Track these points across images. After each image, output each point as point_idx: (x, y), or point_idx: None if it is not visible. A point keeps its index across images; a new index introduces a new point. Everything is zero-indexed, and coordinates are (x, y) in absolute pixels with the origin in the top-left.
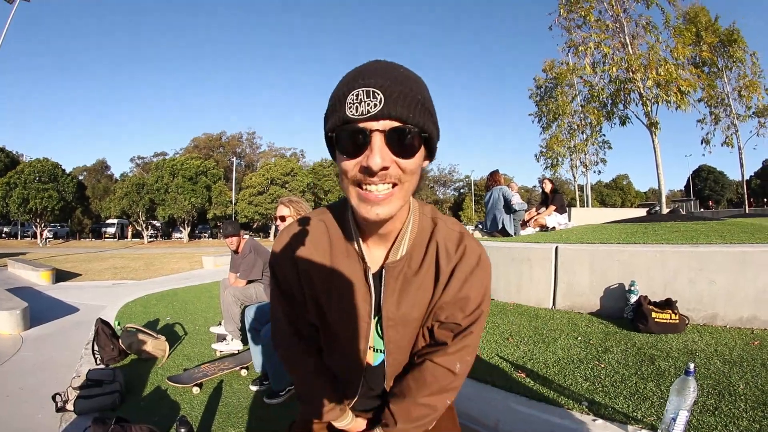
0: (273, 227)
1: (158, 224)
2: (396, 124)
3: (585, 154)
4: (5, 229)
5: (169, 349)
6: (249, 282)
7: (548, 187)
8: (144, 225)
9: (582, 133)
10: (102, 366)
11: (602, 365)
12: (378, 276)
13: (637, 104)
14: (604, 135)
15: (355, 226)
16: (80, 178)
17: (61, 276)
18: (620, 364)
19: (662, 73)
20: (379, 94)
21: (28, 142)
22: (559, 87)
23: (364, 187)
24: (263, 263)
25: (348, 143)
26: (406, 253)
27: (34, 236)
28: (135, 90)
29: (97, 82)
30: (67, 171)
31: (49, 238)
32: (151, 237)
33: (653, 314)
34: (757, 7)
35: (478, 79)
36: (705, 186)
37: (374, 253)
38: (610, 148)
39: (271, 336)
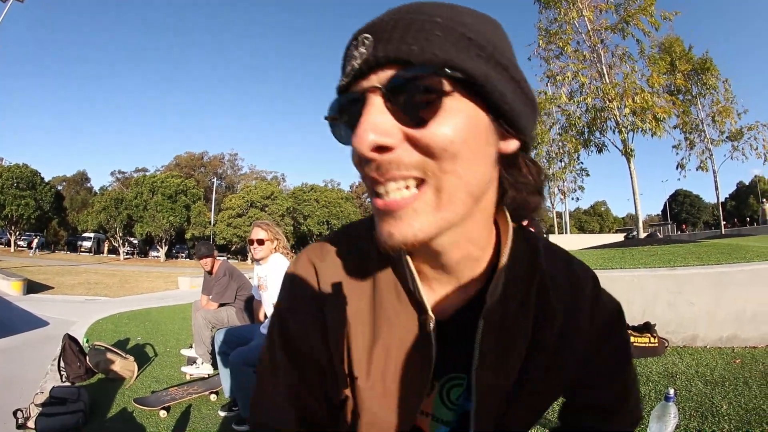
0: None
1: (135, 241)
2: (391, 69)
3: (563, 182)
4: None
5: (138, 370)
6: (221, 305)
7: None
8: (121, 241)
9: (560, 161)
10: (67, 384)
11: None
12: (444, 330)
13: (613, 132)
14: (582, 162)
15: (407, 255)
16: (59, 188)
17: (32, 287)
18: None
19: (638, 101)
20: (369, 38)
21: (6, 144)
22: (538, 116)
23: (375, 189)
24: (237, 287)
25: (342, 124)
26: (501, 292)
27: (8, 244)
28: (120, 102)
29: (83, 91)
30: (46, 180)
31: (36, 248)
32: (127, 254)
33: (632, 339)
34: (728, 36)
35: None
36: (682, 210)
37: (437, 295)
38: (587, 175)
39: (251, 413)
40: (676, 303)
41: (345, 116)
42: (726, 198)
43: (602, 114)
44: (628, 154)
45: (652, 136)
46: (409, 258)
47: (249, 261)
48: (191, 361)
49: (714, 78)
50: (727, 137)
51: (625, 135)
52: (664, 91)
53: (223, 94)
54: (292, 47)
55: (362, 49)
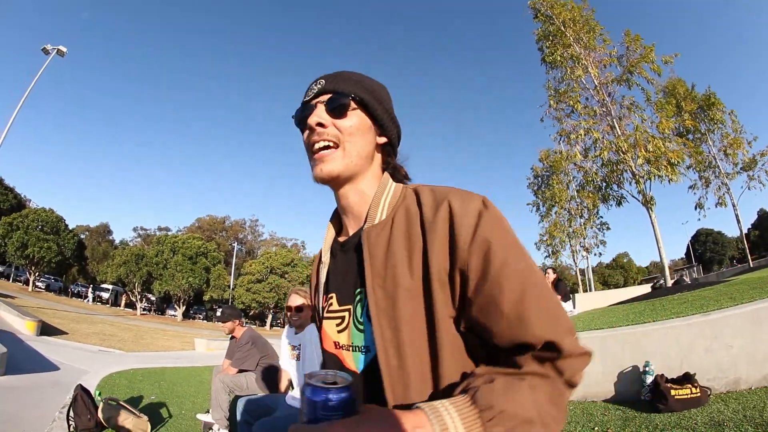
0: (270, 316)
1: (153, 298)
2: (329, 95)
3: (584, 238)
4: None
5: (151, 430)
6: (241, 371)
7: (551, 277)
8: (139, 296)
9: (580, 217)
10: None
11: None
12: (347, 254)
13: (630, 183)
14: (602, 217)
15: (339, 212)
16: (81, 236)
17: (46, 330)
18: None
19: (651, 149)
20: (322, 81)
21: (35, 187)
22: (555, 175)
23: (313, 146)
24: (260, 356)
25: (300, 117)
26: (386, 217)
27: (26, 283)
28: (147, 161)
29: (114, 146)
30: (70, 227)
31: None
32: (144, 310)
33: (672, 392)
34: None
35: (475, 174)
36: (705, 249)
37: (347, 227)
38: (608, 229)
39: None
40: (713, 348)
41: (304, 113)
42: (749, 228)
43: (618, 167)
44: (648, 203)
45: (669, 182)
46: (337, 205)
47: (267, 327)
48: (207, 427)
49: (720, 112)
50: (741, 168)
51: (642, 185)
52: (674, 134)
53: (247, 160)
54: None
55: (318, 85)
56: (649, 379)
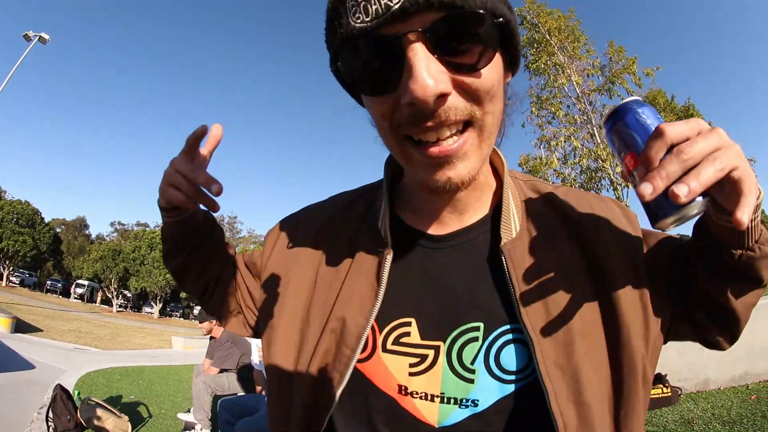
0: None
1: (129, 295)
2: (440, 14)
3: None
4: None
5: (132, 430)
6: (222, 371)
7: None
8: (115, 293)
9: None
10: None
11: None
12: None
13: (608, 190)
14: None
15: (388, 200)
16: (57, 230)
17: (21, 327)
18: None
19: None
20: None
21: (10, 178)
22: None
23: (418, 137)
24: (240, 354)
25: (366, 72)
26: (520, 228)
27: (0, 277)
28: (126, 153)
29: (92, 137)
30: (46, 220)
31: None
32: (120, 307)
33: None
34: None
35: None
36: None
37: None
38: None
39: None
40: (685, 350)
41: (371, 62)
42: None
43: (596, 174)
44: None
45: None
46: (391, 203)
47: None
48: (189, 426)
49: None
50: None
51: (620, 192)
52: None
53: (226, 156)
54: (295, 115)
55: None
56: None
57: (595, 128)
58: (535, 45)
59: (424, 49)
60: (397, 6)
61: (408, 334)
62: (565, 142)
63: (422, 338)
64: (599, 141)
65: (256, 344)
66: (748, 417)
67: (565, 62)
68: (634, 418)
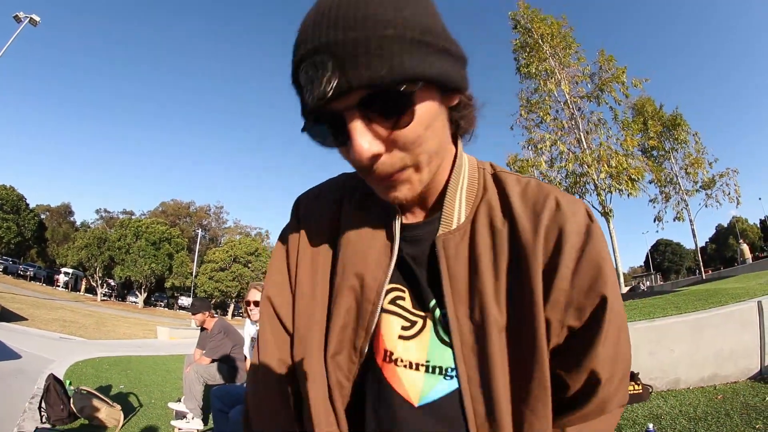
0: (232, 306)
1: (114, 283)
2: (363, 92)
3: None
4: None
5: (124, 420)
6: (213, 361)
7: None
8: (99, 281)
9: None
10: (48, 425)
11: None
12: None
13: (591, 194)
14: None
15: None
16: (42, 217)
17: (5, 315)
18: None
19: (614, 165)
20: (328, 62)
21: None
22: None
23: (369, 177)
24: (232, 345)
25: (321, 138)
26: (465, 220)
27: None
28: (112, 140)
29: (77, 120)
30: (31, 206)
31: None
32: (105, 295)
33: None
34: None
35: None
36: (664, 258)
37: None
38: None
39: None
40: (657, 351)
41: (325, 126)
42: (706, 242)
43: (581, 179)
44: (607, 214)
45: (628, 196)
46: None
47: (229, 316)
48: (180, 416)
49: (685, 132)
50: (700, 186)
51: (603, 197)
52: (639, 151)
53: (213, 145)
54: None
55: (327, 73)
56: None
57: (582, 134)
58: (528, 49)
59: (359, 120)
60: (330, 92)
61: (403, 298)
62: (551, 146)
63: (413, 308)
64: (585, 147)
65: (249, 334)
66: (713, 414)
67: (556, 68)
68: (539, 411)
